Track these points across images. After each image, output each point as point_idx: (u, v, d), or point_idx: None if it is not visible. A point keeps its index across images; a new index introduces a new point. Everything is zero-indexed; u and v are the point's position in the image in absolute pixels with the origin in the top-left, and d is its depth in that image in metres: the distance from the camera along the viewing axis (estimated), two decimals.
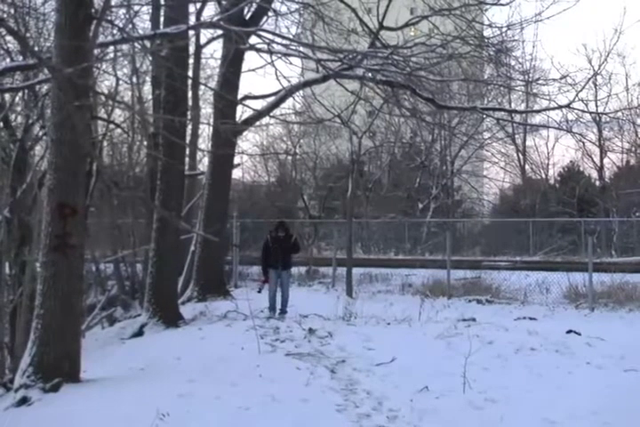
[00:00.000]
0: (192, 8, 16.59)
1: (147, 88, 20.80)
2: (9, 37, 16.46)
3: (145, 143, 20.12)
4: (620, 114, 28.82)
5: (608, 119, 33.15)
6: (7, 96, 17.30)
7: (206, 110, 26.98)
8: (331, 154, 41.97)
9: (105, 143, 20.47)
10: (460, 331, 11.18)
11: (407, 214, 37.59)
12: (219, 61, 18.49)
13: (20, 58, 16.36)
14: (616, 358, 9.57)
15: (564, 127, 24.68)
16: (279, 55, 14.61)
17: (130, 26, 14.63)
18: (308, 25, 18.05)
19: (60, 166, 8.90)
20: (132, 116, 17.92)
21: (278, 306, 14.60)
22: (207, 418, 7.24)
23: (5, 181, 16.36)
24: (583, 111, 20.54)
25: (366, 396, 8.16)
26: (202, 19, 16.69)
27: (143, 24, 22.36)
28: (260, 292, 15.01)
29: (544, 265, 21.96)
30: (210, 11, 33.04)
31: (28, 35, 16.35)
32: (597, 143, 38.26)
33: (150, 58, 17.38)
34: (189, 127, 18.15)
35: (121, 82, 19.65)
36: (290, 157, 42.52)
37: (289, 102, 26.78)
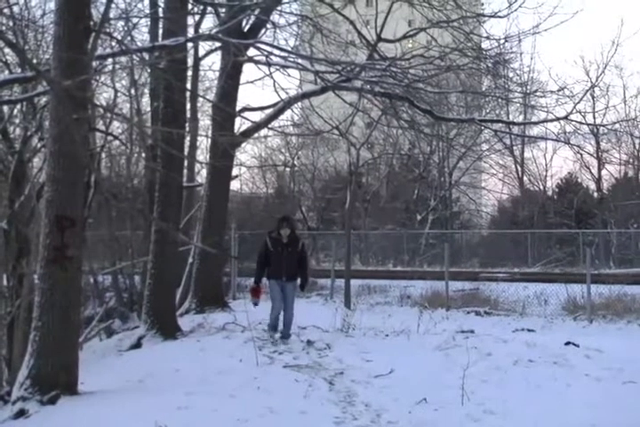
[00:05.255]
0: (190, 20, 16.73)
1: (145, 100, 20.84)
2: (7, 50, 16.56)
3: (143, 155, 20.15)
4: (617, 126, 28.98)
5: (606, 131, 33.42)
6: (6, 108, 17.35)
7: (204, 122, 26.99)
8: (329, 165, 42.11)
9: (103, 155, 20.53)
10: (459, 343, 11.16)
11: (405, 226, 37.64)
12: (217, 73, 18.51)
13: (19, 70, 16.41)
14: (615, 371, 9.54)
15: (562, 139, 24.75)
16: (277, 67, 14.67)
17: (128, 38, 14.65)
18: (306, 37, 18.10)
19: (59, 178, 8.89)
20: (131, 128, 17.94)
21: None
22: None
23: (3, 193, 16.37)
24: (581, 123, 20.63)
25: (365, 408, 8.13)
26: (200, 31, 16.85)
27: (142, 36, 22.39)
28: (256, 305, 12.57)
29: (542, 277, 21.97)
30: (208, 23, 33.27)
31: (26, 47, 16.39)
32: (595, 155, 38.45)
33: (149, 70, 17.42)
34: (188, 139, 18.19)
35: (119, 94, 19.74)
36: (288, 169, 42.68)
37: (287, 114, 26.81)
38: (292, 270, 12.23)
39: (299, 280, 12.59)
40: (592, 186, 40.13)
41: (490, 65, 17.86)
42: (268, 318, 12.83)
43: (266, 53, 13.08)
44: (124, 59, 15.40)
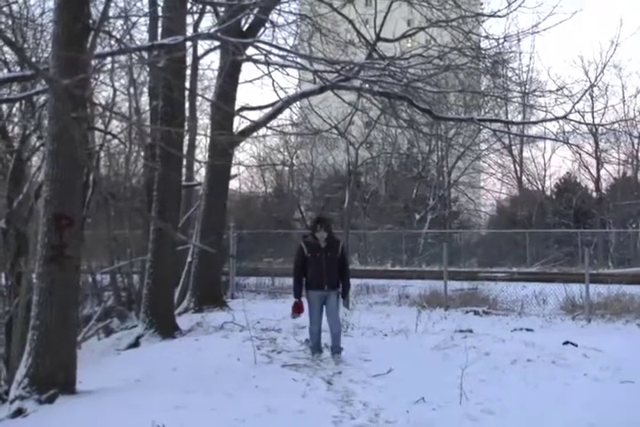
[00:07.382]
0: (189, 19, 16.76)
1: (144, 99, 20.84)
2: (6, 48, 16.52)
3: (142, 154, 20.13)
4: (616, 125, 29.02)
5: (604, 131, 33.43)
6: (4, 107, 17.34)
7: (203, 121, 27.02)
8: (328, 165, 42.03)
9: (102, 154, 20.46)
10: (457, 342, 11.18)
11: (404, 225, 37.56)
12: (216, 72, 18.52)
13: (18, 69, 16.40)
14: (612, 370, 9.54)
15: (561, 138, 24.79)
16: (276, 66, 14.70)
17: (127, 37, 14.67)
18: (305, 36, 18.11)
19: (57, 177, 8.89)
20: (130, 127, 17.92)
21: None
22: None
23: (2, 192, 16.35)
24: (580, 123, 20.68)
25: (362, 407, 8.11)
26: (199, 30, 16.85)
27: (141, 35, 22.44)
28: (294, 318, 11.06)
29: (541, 276, 21.93)
30: (207, 22, 33.28)
31: (25, 46, 16.40)
32: (594, 155, 38.40)
33: (148, 69, 17.45)
34: (186, 138, 18.16)
35: (118, 93, 19.69)
36: (287, 168, 42.58)
37: (286, 113, 26.76)
38: (334, 278, 10.67)
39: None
40: (591, 186, 40.12)
41: (489, 64, 17.87)
42: (266, 317, 12.80)
43: (265, 52, 13.09)
44: (123, 57, 15.40)
